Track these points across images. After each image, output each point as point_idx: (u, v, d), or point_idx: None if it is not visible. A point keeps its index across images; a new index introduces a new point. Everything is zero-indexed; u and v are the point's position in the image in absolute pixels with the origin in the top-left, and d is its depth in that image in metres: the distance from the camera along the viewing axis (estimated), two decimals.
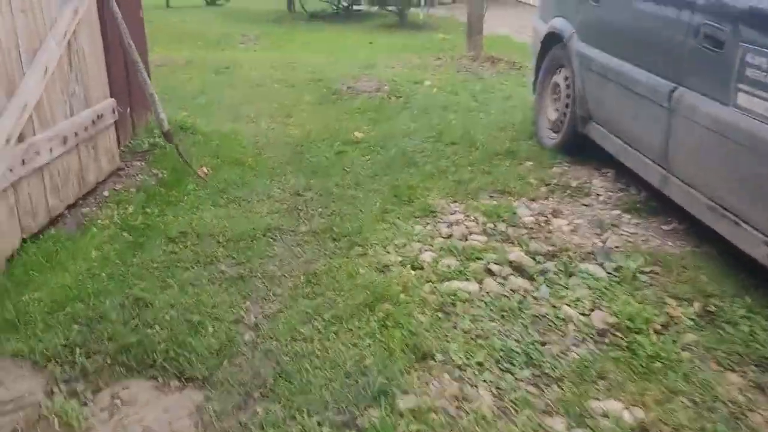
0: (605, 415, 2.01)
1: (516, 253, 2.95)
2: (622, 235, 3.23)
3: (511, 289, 2.71)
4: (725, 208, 2.72)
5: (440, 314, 2.53)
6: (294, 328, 2.46)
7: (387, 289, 2.67)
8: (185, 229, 3.25)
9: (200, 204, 3.58)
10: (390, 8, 13.04)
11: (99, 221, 3.33)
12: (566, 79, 4.24)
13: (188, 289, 2.72)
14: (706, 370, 2.23)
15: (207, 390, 2.15)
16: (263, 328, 2.49)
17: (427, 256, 2.97)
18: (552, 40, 4.45)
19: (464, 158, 4.35)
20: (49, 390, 2.11)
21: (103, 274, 2.81)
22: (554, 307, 2.59)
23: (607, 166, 4.06)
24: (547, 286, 2.74)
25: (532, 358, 2.28)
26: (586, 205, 3.60)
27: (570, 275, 2.83)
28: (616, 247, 3.08)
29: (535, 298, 2.66)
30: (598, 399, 2.08)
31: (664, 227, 3.33)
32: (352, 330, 2.44)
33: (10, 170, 2.79)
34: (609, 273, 2.84)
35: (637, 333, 2.40)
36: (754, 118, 2.49)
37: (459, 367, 2.24)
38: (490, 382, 2.16)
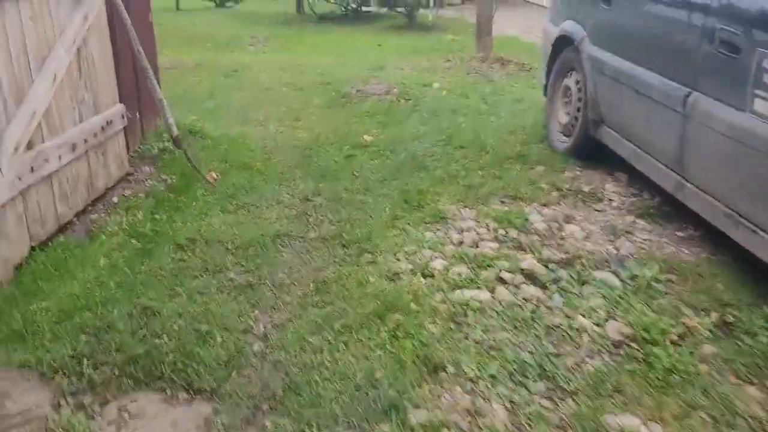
0: (622, 431, 1.96)
1: (528, 261, 2.91)
2: (635, 241, 3.18)
3: (523, 298, 2.67)
4: (742, 216, 2.66)
5: (452, 324, 2.50)
6: (303, 339, 2.43)
7: (397, 298, 2.63)
8: (194, 235, 3.23)
9: (209, 210, 3.55)
10: (399, 10, 13.00)
11: (108, 228, 3.31)
12: (578, 82, 4.19)
13: (196, 298, 2.70)
14: (725, 384, 2.19)
15: (215, 402, 2.13)
16: (272, 338, 2.46)
17: (437, 264, 2.93)
18: (563, 43, 4.40)
19: (474, 162, 4.30)
20: (56, 403, 2.09)
21: (112, 283, 2.79)
22: (568, 317, 2.54)
23: (620, 170, 4.00)
24: (561, 295, 2.69)
25: (546, 370, 2.24)
26: (598, 211, 3.55)
27: (583, 284, 2.78)
28: (630, 254, 3.03)
29: (548, 307, 2.62)
30: (614, 414, 2.04)
31: (679, 233, 3.28)
32: (362, 341, 2.40)
33: (19, 178, 2.77)
34: (623, 281, 2.80)
35: (653, 344, 2.35)
36: None
37: (471, 380, 2.20)
38: (504, 395, 2.12)
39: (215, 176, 4.01)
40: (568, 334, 2.45)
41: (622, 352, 2.35)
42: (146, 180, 3.97)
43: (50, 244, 3.05)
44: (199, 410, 2.09)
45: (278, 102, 6.21)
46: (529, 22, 12.49)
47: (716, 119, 2.73)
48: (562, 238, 3.19)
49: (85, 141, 3.36)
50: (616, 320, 2.52)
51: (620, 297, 2.67)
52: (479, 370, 2.23)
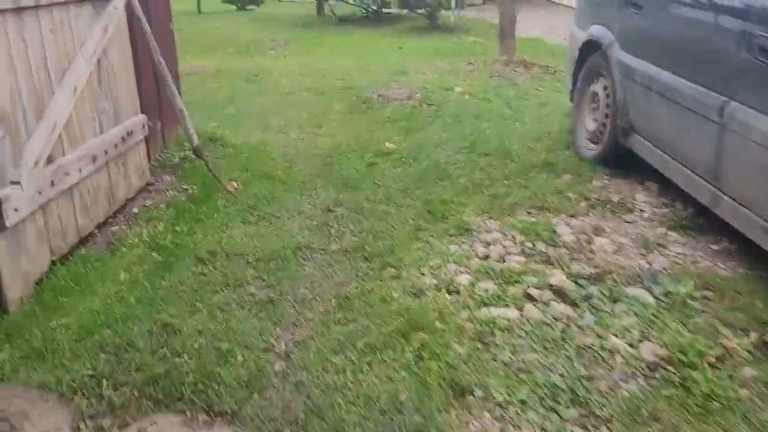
0: None
1: (557, 277, 2.81)
2: (668, 255, 3.07)
3: (553, 317, 2.58)
4: None
5: (478, 344, 2.41)
6: (326, 358, 2.37)
7: (422, 316, 2.56)
8: (214, 248, 3.18)
9: (230, 221, 3.51)
10: (420, 11, 12.90)
11: (128, 240, 3.28)
12: (606, 88, 4.08)
13: (217, 314, 2.65)
14: (767, 410, 2.08)
15: (236, 426, 2.07)
16: (294, 357, 2.40)
17: (463, 279, 2.85)
18: (590, 48, 4.29)
19: (499, 171, 4.21)
20: (76, 426, 2.05)
21: (132, 298, 2.75)
22: (600, 337, 2.45)
23: (650, 179, 3.89)
24: (592, 313, 2.59)
25: (578, 395, 2.15)
26: (629, 222, 3.44)
27: (615, 301, 2.68)
28: (664, 269, 2.92)
29: (578, 326, 2.52)
30: None
31: (714, 246, 3.16)
32: (386, 361, 2.33)
33: (39, 192, 2.75)
34: (657, 298, 2.69)
35: (690, 367, 2.25)
36: None
37: (500, 405, 2.11)
38: (535, 422, 2.04)
39: (236, 186, 3.96)
40: (600, 355, 2.35)
41: (657, 375, 2.25)
42: (167, 190, 3.95)
43: (71, 257, 3.03)
44: None
45: (299, 107, 6.17)
46: (552, 23, 12.35)
47: (755, 130, 2.61)
48: (592, 252, 3.09)
49: (106, 152, 3.34)
50: (651, 341, 2.41)
51: (654, 315, 2.57)
52: (508, 394, 2.15)
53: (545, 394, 2.15)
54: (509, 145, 4.68)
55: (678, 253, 3.09)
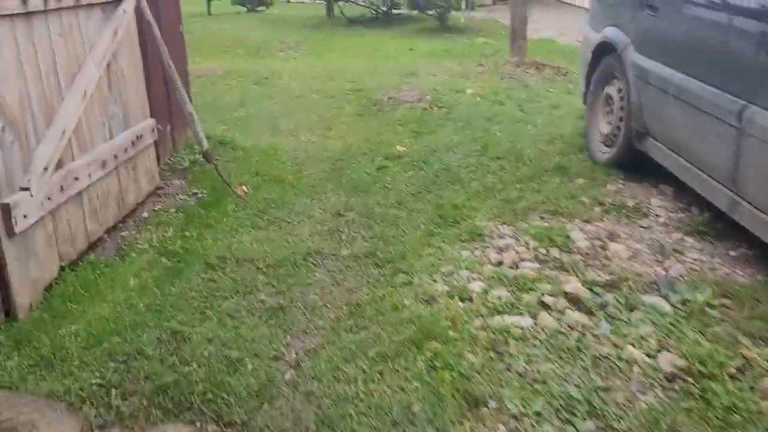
0: None
1: (572, 284, 2.76)
2: (685, 262, 3.01)
3: (568, 325, 2.52)
4: None
5: (492, 354, 2.37)
6: (337, 367, 2.33)
7: (434, 324, 2.52)
8: (224, 253, 3.16)
9: (239, 226, 3.48)
10: (430, 12, 12.85)
11: (138, 245, 3.26)
12: (620, 91, 4.02)
13: (227, 321, 2.62)
14: None
15: None
16: (304, 365, 2.36)
17: (476, 286, 2.80)
18: (604, 50, 4.23)
19: (511, 174, 4.16)
20: None
21: (141, 305, 2.72)
22: (616, 346, 2.39)
23: (665, 183, 3.83)
24: (608, 321, 2.54)
25: (594, 407, 2.09)
26: (644, 228, 3.38)
27: (632, 309, 2.63)
28: (681, 276, 2.87)
29: (594, 335, 2.47)
30: None
31: (732, 253, 3.10)
32: (398, 371, 2.29)
33: (48, 198, 2.73)
34: (674, 306, 2.63)
35: (710, 378, 2.19)
36: None
37: (515, 417, 2.07)
38: None
39: (246, 190, 3.94)
40: (617, 365, 2.30)
41: (676, 386, 2.19)
42: (177, 194, 3.93)
43: (80, 263, 3.01)
44: None
45: (309, 110, 6.14)
46: (564, 23, 12.28)
47: None
48: (607, 258, 3.04)
49: (116, 157, 3.32)
50: (669, 351, 2.36)
51: (672, 324, 2.51)
52: (523, 406, 2.10)
53: (561, 406, 2.10)
54: (521, 148, 4.64)
55: (695, 260, 3.03)
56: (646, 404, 2.11)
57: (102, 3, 3.23)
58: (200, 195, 3.91)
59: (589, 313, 2.60)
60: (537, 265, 2.98)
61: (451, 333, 2.47)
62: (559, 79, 7.29)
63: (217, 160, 4.10)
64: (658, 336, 2.44)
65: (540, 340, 2.43)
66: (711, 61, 3.07)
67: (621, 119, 4.00)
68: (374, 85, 6.95)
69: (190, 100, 4.08)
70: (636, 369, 2.28)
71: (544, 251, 3.10)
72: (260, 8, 16.25)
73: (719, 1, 3.04)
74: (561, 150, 4.58)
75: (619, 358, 2.33)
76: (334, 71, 8.00)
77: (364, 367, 2.32)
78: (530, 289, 2.76)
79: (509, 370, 2.28)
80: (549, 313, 2.59)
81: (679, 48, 3.38)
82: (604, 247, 3.14)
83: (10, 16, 2.52)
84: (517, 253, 3.09)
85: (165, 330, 2.54)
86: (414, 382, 2.23)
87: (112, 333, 2.52)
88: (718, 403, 2.09)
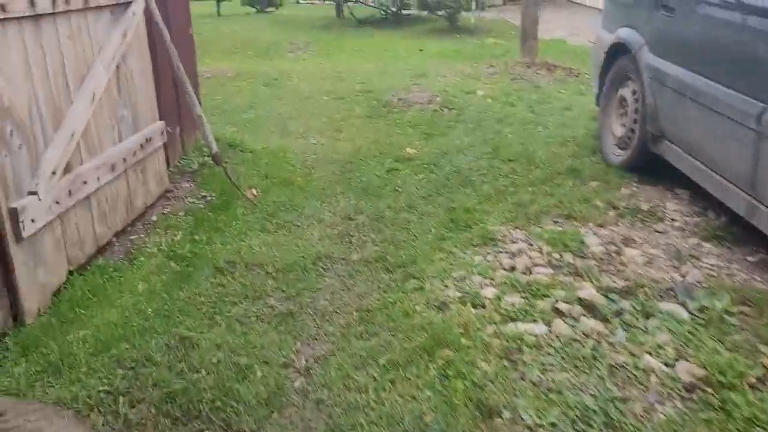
0: None
1: (587, 290, 2.71)
2: (702, 267, 2.95)
3: (583, 333, 2.47)
4: None
5: (506, 362, 2.32)
6: (347, 375, 2.29)
7: (446, 331, 2.47)
8: (233, 258, 3.12)
9: (249, 230, 3.45)
10: (439, 13, 12.80)
11: (147, 249, 3.23)
12: (634, 93, 3.96)
13: (236, 327, 2.59)
14: None
15: None
16: (314, 373, 2.33)
17: (488, 292, 2.76)
18: (618, 51, 4.18)
19: (524, 177, 4.11)
20: None
21: (150, 310, 2.69)
22: (633, 355, 2.34)
23: (681, 186, 3.76)
24: (624, 329, 2.49)
25: (611, 418, 2.04)
26: (660, 232, 3.31)
27: (648, 316, 2.57)
28: (698, 282, 2.81)
29: (610, 343, 2.41)
30: None
31: (750, 258, 3.03)
32: (409, 379, 2.25)
33: (57, 202, 2.71)
34: (692, 314, 2.58)
35: (729, 389, 2.14)
36: None
37: (529, 428, 2.02)
38: None
39: (255, 193, 3.91)
40: (633, 375, 2.24)
41: (695, 397, 2.14)
42: (186, 197, 3.90)
43: (89, 267, 2.98)
44: None
45: (318, 112, 6.11)
46: (575, 24, 12.20)
47: None
48: (622, 264, 2.98)
49: (125, 160, 3.30)
50: (687, 360, 2.30)
51: (690, 332, 2.45)
52: (538, 416, 2.05)
53: (577, 417, 2.05)
54: (533, 150, 4.58)
55: (712, 265, 2.97)
56: (665, 415, 2.06)
57: (111, 5, 3.21)
58: (209, 198, 3.88)
59: (605, 320, 2.55)
60: (551, 271, 2.93)
61: (463, 340, 2.42)
62: (570, 81, 7.22)
63: (226, 162, 4.07)
64: (676, 344, 2.39)
65: (554, 348, 2.38)
66: (729, 62, 3.00)
67: (635, 121, 3.94)
68: (384, 87, 6.91)
69: (200, 102, 4.05)
70: (653, 378, 2.22)
71: (557, 256, 3.05)
72: (270, 9, 16.25)
73: (737, 1, 2.98)
74: (573, 152, 4.53)
75: (636, 368, 2.27)
76: (344, 72, 7.97)
77: (375, 374, 2.28)
78: (544, 296, 2.71)
79: (523, 379, 2.24)
80: (563, 320, 2.54)
81: (695, 49, 3.32)
82: (619, 253, 3.08)
83: (18, 18, 2.50)
84: (530, 258, 3.04)
85: (173, 336, 2.51)
86: (426, 390, 2.19)
87: (120, 339, 2.49)
88: (738, 414, 2.03)
